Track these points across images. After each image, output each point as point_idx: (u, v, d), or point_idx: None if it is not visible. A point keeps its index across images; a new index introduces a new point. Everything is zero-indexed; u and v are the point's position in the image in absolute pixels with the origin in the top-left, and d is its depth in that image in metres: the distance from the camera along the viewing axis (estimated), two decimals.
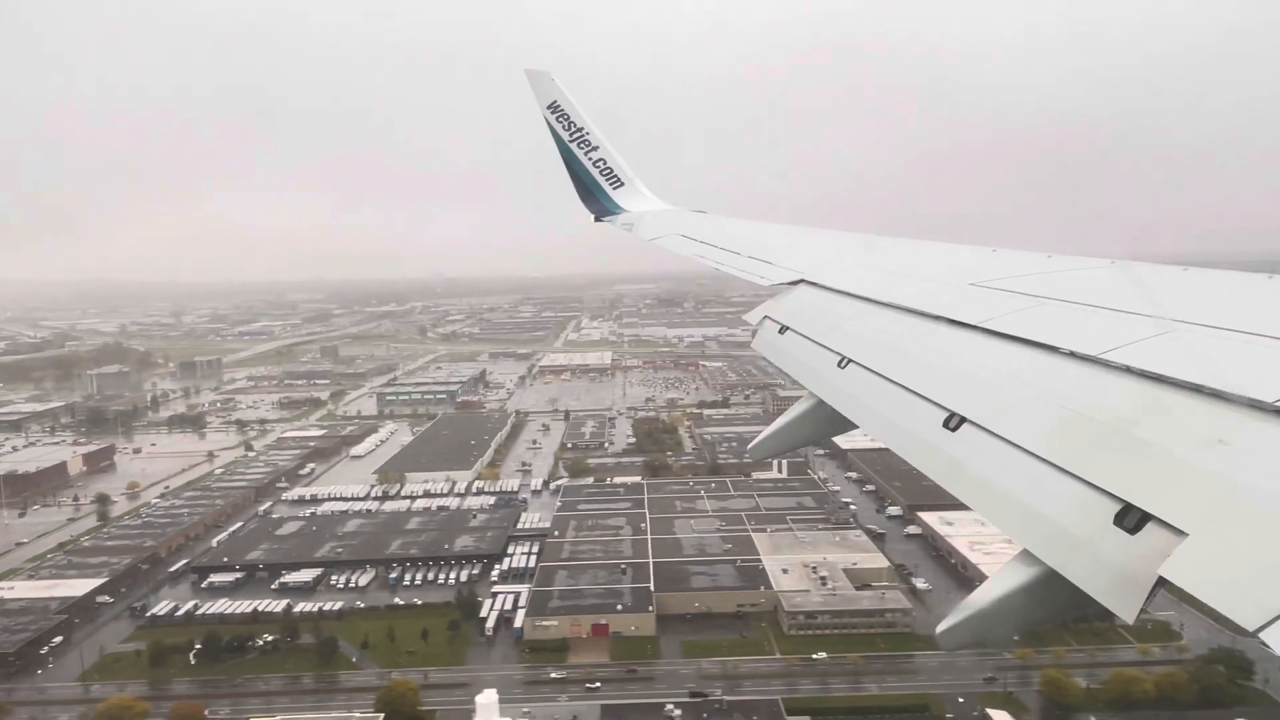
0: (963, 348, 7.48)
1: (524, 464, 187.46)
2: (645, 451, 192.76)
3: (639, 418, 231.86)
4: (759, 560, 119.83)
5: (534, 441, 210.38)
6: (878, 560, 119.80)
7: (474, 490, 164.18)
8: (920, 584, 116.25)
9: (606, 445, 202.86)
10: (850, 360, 8.56)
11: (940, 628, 5.56)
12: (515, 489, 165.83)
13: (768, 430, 9.91)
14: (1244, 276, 7.40)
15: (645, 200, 24.46)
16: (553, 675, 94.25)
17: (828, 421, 8.92)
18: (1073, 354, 6.29)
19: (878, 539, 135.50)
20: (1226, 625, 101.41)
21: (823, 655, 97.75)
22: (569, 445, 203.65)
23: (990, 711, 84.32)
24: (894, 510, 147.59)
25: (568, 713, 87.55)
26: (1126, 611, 4.18)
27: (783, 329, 10.81)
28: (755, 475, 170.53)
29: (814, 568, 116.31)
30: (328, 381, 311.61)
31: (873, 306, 9.90)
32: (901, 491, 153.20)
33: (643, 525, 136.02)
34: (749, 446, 10.90)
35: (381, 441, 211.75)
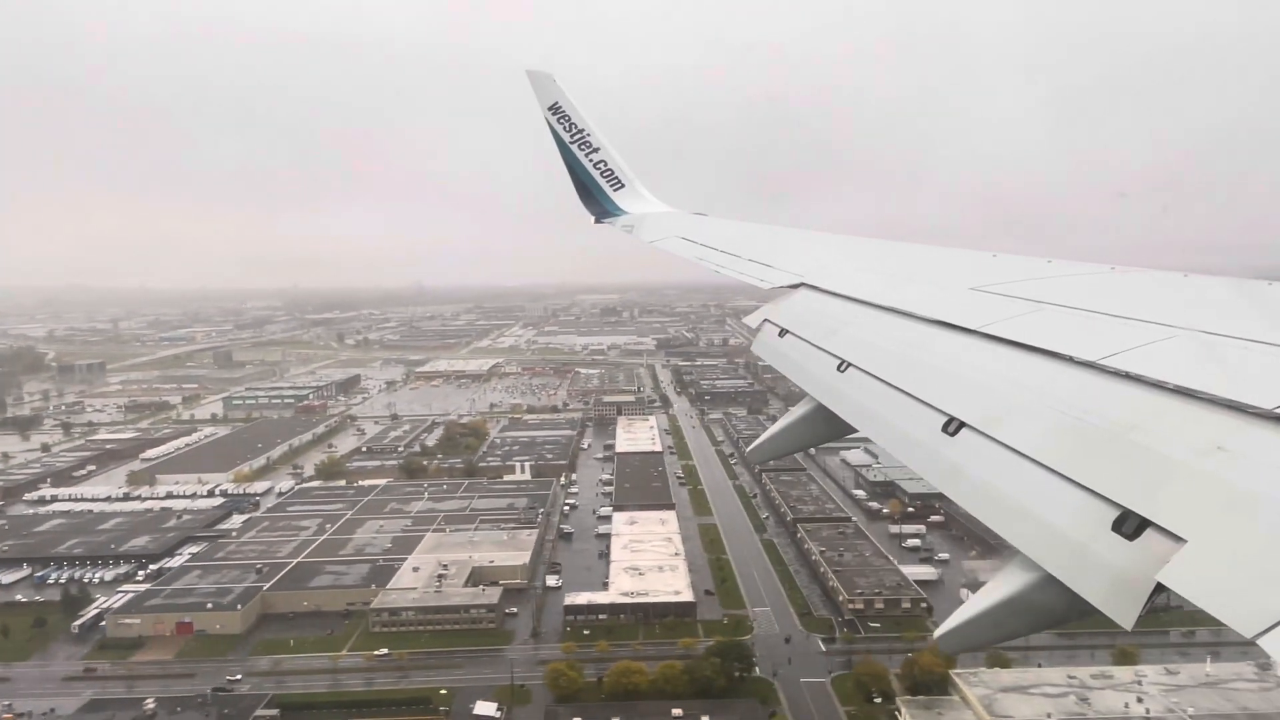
0: (962, 352, 7.41)
1: (295, 466, 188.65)
2: (430, 454, 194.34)
3: (455, 422, 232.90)
4: (402, 560, 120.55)
5: (330, 444, 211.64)
6: (519, 559, 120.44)
7: (218, 491, 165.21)
8: (552, 581, 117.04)
9: (400, 448, 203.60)
10: (850, 364, 8.46)
11: (939, 632, 5.52)
12: (261, 491, 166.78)
13: (766, 434, 9.81)
14: (1242, 283, 7.45)
15: (646, 202, 24.04)
16: None
17: (826, 425, 8.89)
18: (1072, 359, 6.21)
19: (564, 538, 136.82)
20: (809, 624, 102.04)
21: (385, 651, 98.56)
22: (364, 449, 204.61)
23: (479, 703, 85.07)
24: (604, 510, 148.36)
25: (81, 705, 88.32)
26: (1124, 617, 4.10)
27: (782, 332, 10.65)
28: (506, 478, 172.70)
29: (446, 566, 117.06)
30: (195, 386, 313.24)
31: (873, 310, 9.82)
32: (627, 492, 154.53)
33: (328, 526, 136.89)
34: (748, 450, 10.63)
35: (187, 444, 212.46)
